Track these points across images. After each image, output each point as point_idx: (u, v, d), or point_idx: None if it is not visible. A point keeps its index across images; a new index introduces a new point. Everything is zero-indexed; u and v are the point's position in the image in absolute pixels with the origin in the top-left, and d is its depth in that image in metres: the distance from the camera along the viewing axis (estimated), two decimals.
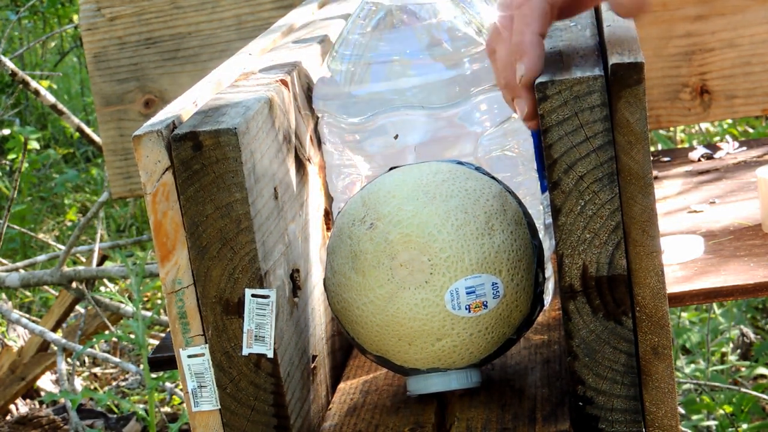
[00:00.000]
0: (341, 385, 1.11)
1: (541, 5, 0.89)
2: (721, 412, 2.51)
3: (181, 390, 2.88)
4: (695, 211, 1.45)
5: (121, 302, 2.87)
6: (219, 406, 0.94)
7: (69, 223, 4.36)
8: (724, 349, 2.81)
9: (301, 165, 1.08)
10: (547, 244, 1.17)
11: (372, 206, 1.00)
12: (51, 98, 3.01)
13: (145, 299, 3.66)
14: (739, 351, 2.89)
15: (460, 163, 1.03)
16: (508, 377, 1.06)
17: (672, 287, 1.22)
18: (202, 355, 0.94)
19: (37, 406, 3.19)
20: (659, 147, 3.22)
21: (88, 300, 2.88)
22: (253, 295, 0.93)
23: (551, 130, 0.90)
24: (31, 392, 3.22)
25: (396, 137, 1.10)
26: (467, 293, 0.97)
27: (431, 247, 0.97)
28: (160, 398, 3.12)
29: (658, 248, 0.91)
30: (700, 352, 2.69)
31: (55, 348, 2.86)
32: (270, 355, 0.93)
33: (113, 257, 3.68)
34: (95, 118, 3.65)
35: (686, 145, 3.45)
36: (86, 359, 3.43)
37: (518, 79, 0.90)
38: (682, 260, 1.30)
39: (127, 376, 3.39)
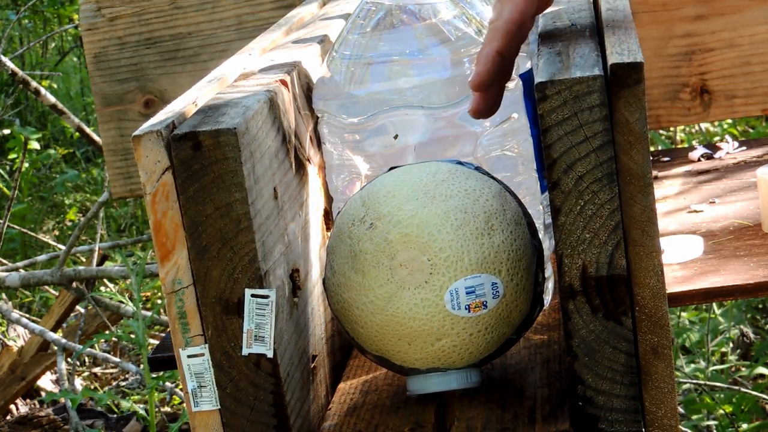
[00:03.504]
0: (341, 385, 1.11)
1: (505, 26, 0.99)
2: (721, 412, 2.51)
3: (181, 390, 2.87)
4: (695, 211, 1.45)
5: (121, 302, 2.87)
6: (219, 406, 0.94)
7: (69, 223, 4.36)
8: (724, 349, 2.81)
9: (300, 165, 1.08)
10: (547, 244, 1.17)
11: (372, 206, 1.00)
12: (51, 98, 3.01)
13: (145, 299, 3.66)
14: (739, 351, 2.89)
15: (459, 162, 1.03)
16: (508, 377, 1.06)
17: (672, 287, 1.22)
18: (202, 355, 0.94)
19: (37, 406, 3.19)
20: (659, 148, 3.22)
21: (88, 300, 2.88)
22: (253, 295, 0.93)
23: (550, 130, 0.90)
24: (31, 392, 3.21)
25: (396, 137, 1.10)
26: (467, 293, 0.97)
27: (431, 246, 0.97)
28: (160, 398, 3.12)
29: (658, 248, 0.91)
30: (700, 352, 2.69)
31: (55, 348, 2.86)
32: (270, 354, 0.93)
33: (113, 257, 3.68)
34: (95, 118, 3.64)
35: (686, 145, 3.45)
36: (86, 359, 3.43)
37: (468, 81, 1.01)
38: (681, 260, 1.30)
39: (127, 376, 3.39)
